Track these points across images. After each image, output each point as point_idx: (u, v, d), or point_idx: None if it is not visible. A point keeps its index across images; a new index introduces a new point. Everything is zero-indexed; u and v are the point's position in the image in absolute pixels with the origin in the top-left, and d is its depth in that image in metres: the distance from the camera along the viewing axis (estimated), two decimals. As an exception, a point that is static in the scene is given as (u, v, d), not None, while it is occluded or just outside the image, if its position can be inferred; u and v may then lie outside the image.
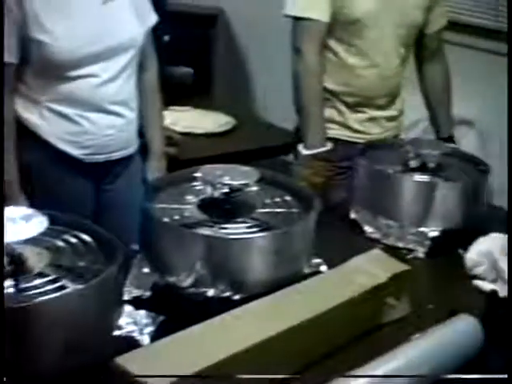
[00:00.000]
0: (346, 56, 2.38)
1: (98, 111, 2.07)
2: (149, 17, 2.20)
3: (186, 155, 2.78)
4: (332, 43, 2.37)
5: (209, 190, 1.52)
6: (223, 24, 4.79)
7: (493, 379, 1.19)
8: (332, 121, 2.42)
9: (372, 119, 2.48)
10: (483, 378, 1.20)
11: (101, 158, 2.12)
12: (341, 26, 2.33)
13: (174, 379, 1.09)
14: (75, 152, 2.08)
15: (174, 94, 3.29)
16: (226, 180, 1.48)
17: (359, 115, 2.46)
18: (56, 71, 2.00)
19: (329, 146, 2.29)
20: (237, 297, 1.40)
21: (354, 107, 2.44)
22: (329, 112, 2.41)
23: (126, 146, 2.18)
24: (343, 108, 2.44)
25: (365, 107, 2.45)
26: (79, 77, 2.01)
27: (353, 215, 1.99)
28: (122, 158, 2.18)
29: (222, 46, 4.87)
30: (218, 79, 4.84)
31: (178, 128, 3.08)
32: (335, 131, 2.42)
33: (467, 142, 3.60)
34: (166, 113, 3.19)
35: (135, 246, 1.53)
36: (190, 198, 1.56)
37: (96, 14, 2.01)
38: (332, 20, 2.31)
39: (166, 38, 3.54)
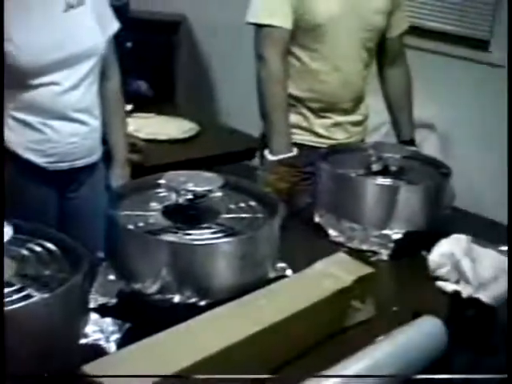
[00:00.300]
0: (309, 62, 2.39)
1: (61, 119, 2.06)
2: (111, 24, 2.20)
3: (150, 162, 2.78)
4: (295, 49, 2.38)
5: (173, 196, 1.53)
6: (186, 30, 4.80)
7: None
8: (298, 126, 2.44)
9: (337, 124, 2.49)
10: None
11: (65, 165, 2.12)
12: (303, 32, 2.34)
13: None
14: (39, 160, 2.07)
15: (137, 100, 3.30)
16: (190, 186, 1.49)
17: (324, 121, 2.47)
18: (19, 79, 1.99)
19: (294, 151, 2.29)
20: (203, 303, 1.40)
21: (319, 113, 2.45)
22: (294, 118, 2.42)
23: (89, 153, 2.17)
24: (308, 114, 2.45)
25: (330, 112, 2.46)
26: (41, 85, 2.01)
27: (317, 219, 2.01)
28: (85, 165, 2.18)
29: (185, 52, 4.87)
30: (181, 85, 4.84)
31: (142, 135, 3.08)
32: (301, 137, 2.44)
33: (428, 144, 3.65)
34: (129, 120, 3.20)
35: (100, 254, 1.53)
36: (154, 204, 1.56)
37: (57, 22, 2.01)
38: (294, 26, 2.32)
39: (129, 44, 3.54)
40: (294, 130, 2.41)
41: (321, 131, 2.47)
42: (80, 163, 2.15)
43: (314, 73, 2.40)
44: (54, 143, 2.07)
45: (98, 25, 2.11)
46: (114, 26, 2.22)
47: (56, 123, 2.06)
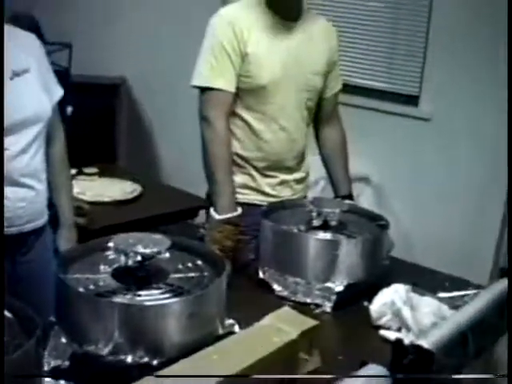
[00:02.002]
0: (254, 122, 2.44)
1: (10, 184, 2.07)
2: (55, 91, 2.24)
3: (95, 224, 2.80)
4: (240, 111, 2.43)
5: (122, 258, 1.56)
6: (126, 92, 4.86)
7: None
8: (245, 186, 2.48)
9: (283, 183, 2.54)
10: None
11: (13, 230, 2.12)
12: (248, 94, 2.41)
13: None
14: None
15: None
16: (139, 248, 1.53)
17: (271, 180, 2.52)
18: None
19: (239, 210, 2.32)
20: (155, 362, 1.44)
21: (265, 172, 2.50)
22: (242, 178, 2.47)
23: (37, 217, 2.19)
24: (255, 173, 2.49)
25: (276, 171, 2.51)
26: None
27: (261, 275, 2.06)
28: (33, 229, 2.19)
29: (126, 113, 4.92)
30: (123, 146, 4.88)
31: (86, 197, 3.10)
32: (249, 196, 2.48)
33: (365, 197, 3.75)
34: (72, 182, 3.22)
35: (52, 317, 1.55)
36: (104, 267, 1.60)
37: (4, 89, 2.04)
38: (238, 89, 2.38)
39: (70, 108, 3.58)
40: (242, 190, 2.45)
41: (268, 190, 2.51)
42: (28, 227, 2.16)
43: (259, 133, 2.45)
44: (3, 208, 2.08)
45: (43, 92, 2.15)
46: (59, 92, 2.26)
47: (5, 189, 2.06)
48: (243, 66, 2.37)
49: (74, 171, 3.42)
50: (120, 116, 4.83)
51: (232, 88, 2.37)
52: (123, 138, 4.90)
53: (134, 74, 4.88)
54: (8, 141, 2.04)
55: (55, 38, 4.07)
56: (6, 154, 2.05)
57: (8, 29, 2.12)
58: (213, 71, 2.36)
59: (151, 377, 1.25)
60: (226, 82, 2.36)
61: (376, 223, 2.16)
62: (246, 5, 2.46)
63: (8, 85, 2.06)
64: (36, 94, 2.13)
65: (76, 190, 3.11)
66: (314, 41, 2.50)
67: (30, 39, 2.20)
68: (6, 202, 2.07)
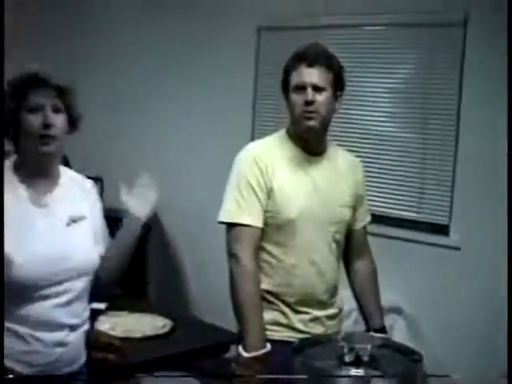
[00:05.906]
0: (283, 257, 2.44)
1: (51, 330, 2.07)
2: (104, 241, 2.26)
3: (127, 360, 2.77)
4: (269, 246, 2.43)
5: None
6: (156, 225, 4.91)
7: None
8: (277, 323, 2.44)
9: (315, 319, 2.50)
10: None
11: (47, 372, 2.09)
12: (276, 230, 2.42)
13: None
14: (25, 371, 2.05)
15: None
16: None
17: (303, 316, 2.48)
18: (19, 293, 2.00)
19: (268, 347, 2.29)
20: None
21: (296, 307, 2.46)
22: (273, 315, 2.44)
23: (72, 362, 2.16)
24: (286, 310, 2.46)
25: (308, 307, 2.48)
26: (39, 298, 2.03)
27: (294, 410, 2.02)
28: (69, 372, 2.15)
29: (156, 247, 4.96)
30: (153, 280, 4.89)
31: (117, 333, 3.07)
32: (280, 333, 2.44)
33: (398, 329, 3.70)
34: (103, 318, 3.24)
35: None
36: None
37: (59, 236, 2.07)
38: (265, 223, 2.40)
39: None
40: (273, 327, 2.42)
41: (300, 326, 2.47)
42: (64, 371, 2.13)
43: (289, 268, 2.43)
44: (39, 354, 2.06)
45: (93, 242, 2.18)
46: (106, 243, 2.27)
47: (44, 335, 2.05)
48: (269, 201, 2.40)
49: (103, 306, 3.44)
50: (150, 250, 4.86)
51: (259, 223, 2.39)
52: (153, 271, 4.92)
53: (164, 205, 4.94)
54: (58, 288, 2.05)
55: (85, 173, 4.16)
56: (56, 301, 2.05)
57: (67, 172, 2.19)
58: (240, 207, 2.39)
59: None
60: (253, 218, 2.38)
61: (409, 357, 2.12)
62: (272, 140, 2.52)
63: (64, 231, 2.08)
64: (87, 243, 2.15)
65: (106, 325, 3.13)
66: (340, 174, 2.54)
67: (88, 185, 2.26)
68: (41, 347, 2.05)
